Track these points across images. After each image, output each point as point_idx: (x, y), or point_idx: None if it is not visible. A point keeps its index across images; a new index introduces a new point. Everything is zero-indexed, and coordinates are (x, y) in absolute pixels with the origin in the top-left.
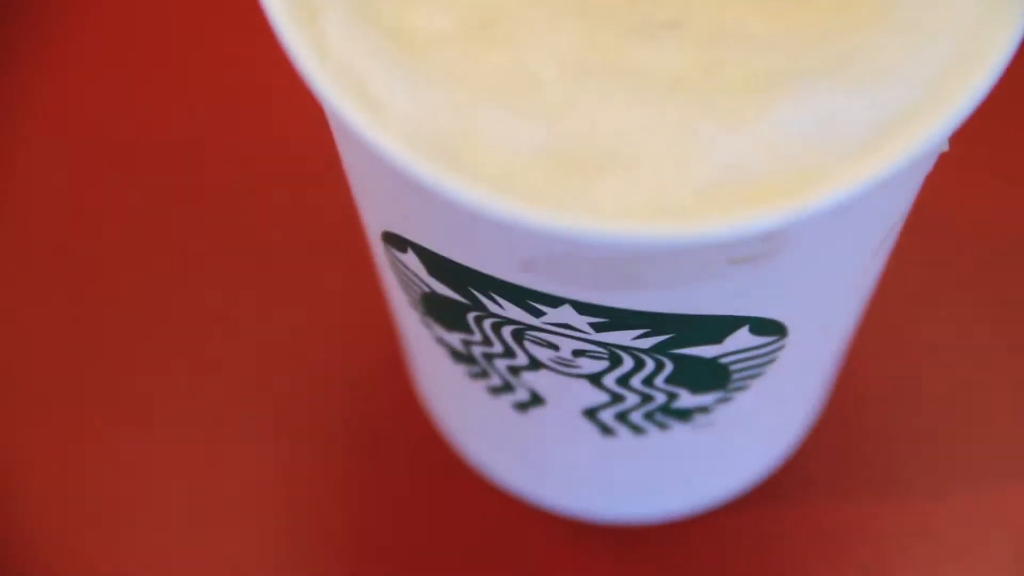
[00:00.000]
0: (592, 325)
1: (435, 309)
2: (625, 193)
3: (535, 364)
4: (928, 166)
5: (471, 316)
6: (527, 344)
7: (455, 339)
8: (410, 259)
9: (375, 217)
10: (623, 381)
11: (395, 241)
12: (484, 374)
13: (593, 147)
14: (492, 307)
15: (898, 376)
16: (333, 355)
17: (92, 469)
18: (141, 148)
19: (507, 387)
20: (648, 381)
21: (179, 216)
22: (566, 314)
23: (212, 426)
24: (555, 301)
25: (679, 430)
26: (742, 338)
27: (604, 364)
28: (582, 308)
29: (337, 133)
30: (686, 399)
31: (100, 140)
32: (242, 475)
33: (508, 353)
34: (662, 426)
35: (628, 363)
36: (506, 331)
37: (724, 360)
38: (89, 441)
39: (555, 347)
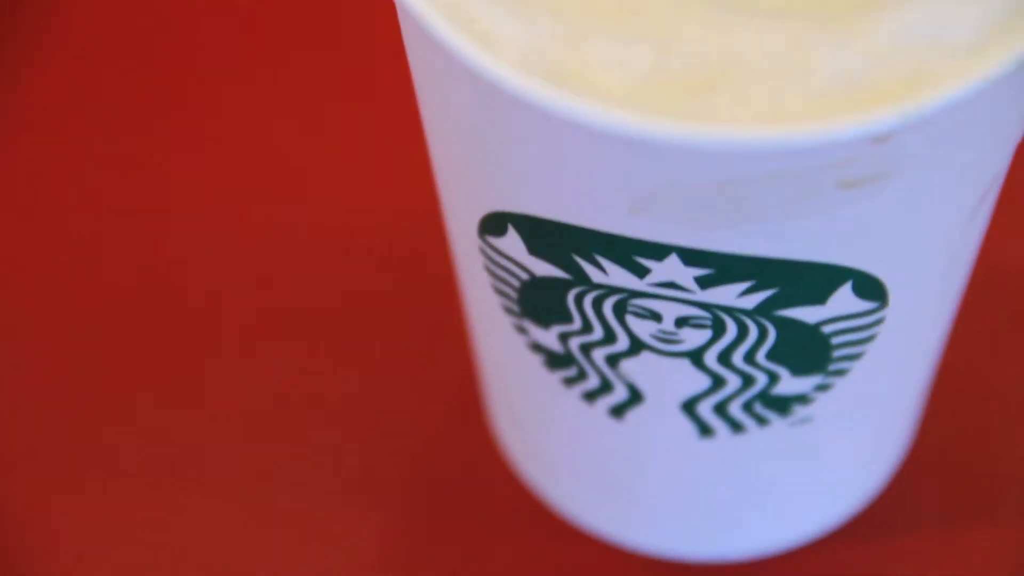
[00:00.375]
0: (697, 280)
1: (533, 301)
2: (738, 107)
3: (636, 346)
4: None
5: (572, 296)
6: (629, 320)
7: (552, 336)
8: (509, 242)
9: (473, 200)
10: (725, 358)
11: (494, 225)
12: (581, 375)
13: (703, 68)
14: (595, 275)
15: (1000, 400)
16: (402, 410)
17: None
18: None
19: (605, 387)
20: (750, 356)
21: (222, 273)
22: (672, 268)
23: (274, 483)
24: (661, 252)
25: (777, 427)
26: (845, 299)
27: (707, 335)
28: (688, 257)
29: (431, 103)
30: (786, 383)
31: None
32: (312, 533)
33: (608, 338)
34: (760, 421)
35: (731, 331)
36: (608, 306)
37: (826, 329)
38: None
39: (658, 317)
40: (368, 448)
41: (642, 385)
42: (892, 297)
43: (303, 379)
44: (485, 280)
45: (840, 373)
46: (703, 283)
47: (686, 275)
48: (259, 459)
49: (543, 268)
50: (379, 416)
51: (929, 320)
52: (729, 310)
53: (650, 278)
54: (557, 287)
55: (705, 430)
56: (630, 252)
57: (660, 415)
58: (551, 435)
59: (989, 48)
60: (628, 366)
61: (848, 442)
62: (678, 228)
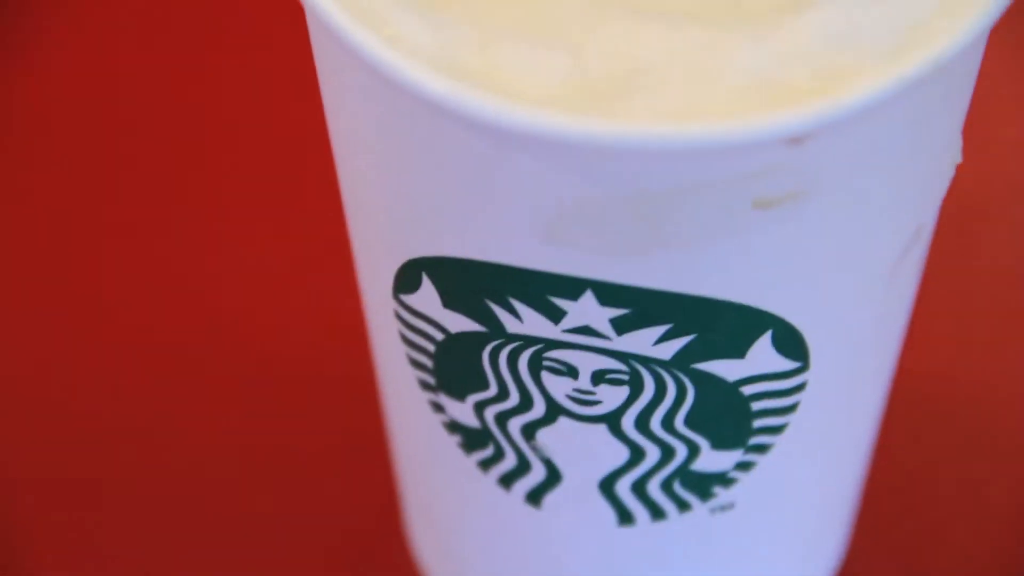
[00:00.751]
0: (613, 323)
1: (448, 365)
2: (653, 110)
3: (552, 411)
4: (945, 176)
5: (487, 353)
6: (544, 378)
7: (468, 409)
8: (423, 297)
9: (386, 250)
10: (643, 423)
11: (408, 278)
12: (497, 455)
13: (617, 72)
14: (510, 324)
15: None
16: (321, 528)
17: None
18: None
19: (522, 466)
20: (668, 422)
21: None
22: (587, 308)
23: None
24: (576, 288)
25: (698, 513)
26: (764, 354)
27: (624, 393)
28: (603, 294)
29: (341, 129)
30: (706, 457)
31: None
32: None
33: (524, 403)
34: (681, 505)
35: (649, 389)
36: (523, 363)
37: (746, 390)
38: None
39: (574, 372)
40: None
41: (559, 460)
42: (814, 357)
43: (219, 492)
44: (401, 352)
45: (762, 450)
46: (619, 327)
47: (602, 317)
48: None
49: (458, 323)
50: (295, 530)
51: (853, 396)
52: (646, 361)
53: (565, 322)
54: (472, 344)
55: (624, 516)
56: (544, 291)
57: (578, 498)
58: (467, 533)
59: (908, 50)
60: (545, 437)
61: (771, 540)
62: (592, 258)
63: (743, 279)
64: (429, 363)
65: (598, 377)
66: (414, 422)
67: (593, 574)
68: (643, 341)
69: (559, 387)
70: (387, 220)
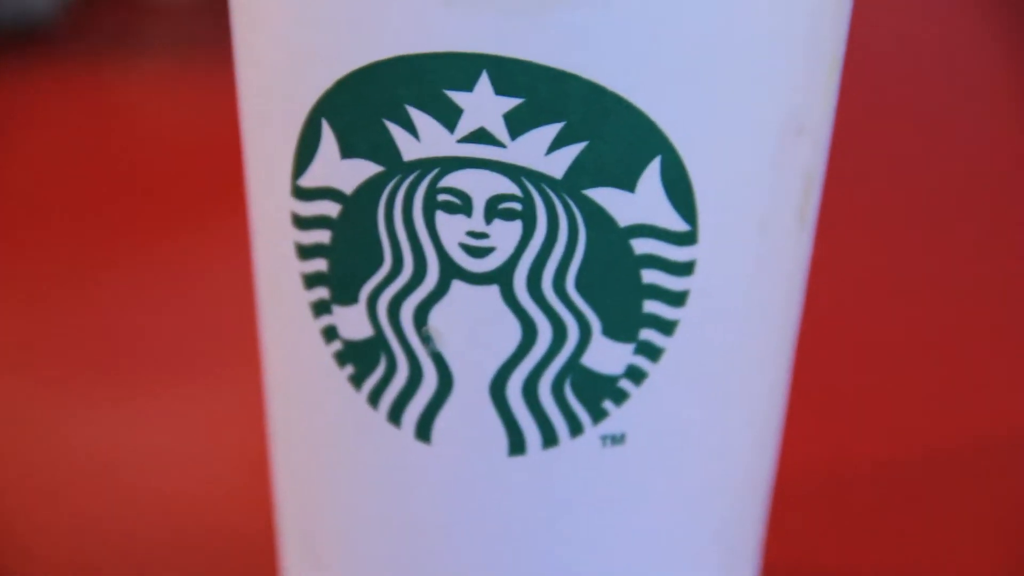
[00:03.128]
0: (508, 120)
1: (344, 251)
2: None
3: (445, 274)
4: (826, 72)
5: (382, 206)
6: (439, 222)
7: (361, 311)
8: (322, 160)
9: (289, 107)
10: (534, 283)
11: (309, 139)
12: (390, 370)
13: None
14: (408, 148)
15: None
16: None
17: None
18: None
19: (414, 378)
20: (559, 281)
21: None
22: (483, 100)
23: None
24: (471, 70)
25: (590, 438)
26: (654, 191)
27: (518, 231)
28: (498, 76)
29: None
30: (597, 348)
31: None
32: None
33: (418, 272)
34: (573, 425)
35: (541, 225)
36: (418, 204)
37: (637, 246)
38: None
39: (468, 204)
40: None
41: (450, 353)
42: (702, 225)
43: None
44: (295, 277)
45: (653, 353)
46: (513, 126)
47: (496, 112)
48: None
49: (356, 173)
50: None
51: (747, 324)
52: (538, 181)
53: (461, 126)
54: (369, 199)
55: (516, 439)
56: (440, 83)
57: (470, 414)
58: (352, 505)
59: None
60: (437, 318)
61: (666, 498)
62: (487, 23)
63: (624, 64)
64: (324, 265)
65: (491, 208)
66: (304, 371)
67: (481, 521)
68: (536, 148)
69: (453, 232)
70: (288, 59)
